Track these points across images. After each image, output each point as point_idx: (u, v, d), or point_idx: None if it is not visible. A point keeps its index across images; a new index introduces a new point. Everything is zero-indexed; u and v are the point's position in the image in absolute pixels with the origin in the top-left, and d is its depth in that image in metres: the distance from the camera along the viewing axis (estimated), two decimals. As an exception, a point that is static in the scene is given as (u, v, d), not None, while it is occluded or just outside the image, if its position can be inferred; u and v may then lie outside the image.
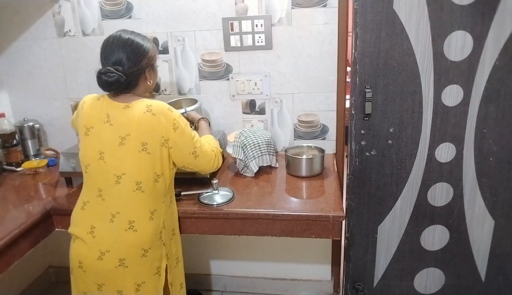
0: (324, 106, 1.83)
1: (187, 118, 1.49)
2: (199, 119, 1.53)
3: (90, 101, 1.22)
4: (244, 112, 1.90)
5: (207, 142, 1.32)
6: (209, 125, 1.56)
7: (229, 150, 1.68)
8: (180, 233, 1.43)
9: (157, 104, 1.17)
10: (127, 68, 1.14)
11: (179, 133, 1.18)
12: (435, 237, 1.44)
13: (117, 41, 1.16)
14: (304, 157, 1.70)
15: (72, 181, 1.62)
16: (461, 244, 1.44)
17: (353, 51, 1.26)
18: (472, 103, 1.28)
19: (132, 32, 1.20)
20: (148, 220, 1.18)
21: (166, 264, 1.25)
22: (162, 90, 1.92)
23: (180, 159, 1.22)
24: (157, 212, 1.21)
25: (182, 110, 1.58)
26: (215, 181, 1.44)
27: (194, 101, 1.77)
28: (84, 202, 1.21)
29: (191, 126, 1.28)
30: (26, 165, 1.82)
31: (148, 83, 1.24)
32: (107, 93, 1.20)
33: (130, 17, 1.82)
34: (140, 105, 1.16)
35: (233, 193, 1.46)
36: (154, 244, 1.20)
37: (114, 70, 1.12)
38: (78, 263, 1.19)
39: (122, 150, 1.15)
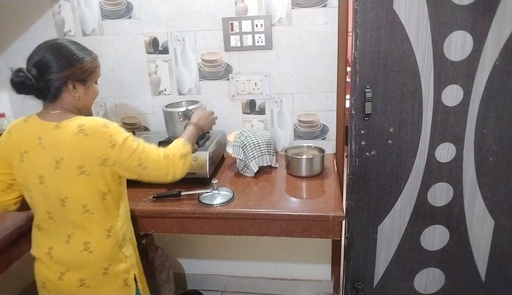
0: (324, 106, 1.83)
1: (187, 115, 1.46)
2: (189, 124, 1.39)
3: (17, 125, 1.12)
4: (244, 112, 1.90)
5: (164, 149, 1.19)
6: (193, 134, 1.36)
7: (229, 150, 1.68)
8: (180, 233, 1.43)
9: (91, 122, 1.07)
10: (44, 72, 1.04)
11: (118, 149, 1.08)
12: (435, 237, 1.44)
13: (47, 44, 1.07)
14: (304, 157, 1.70)
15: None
16: (461, 244, 1.44)
17: (353, 51, 1.26)
18: (472, 103, 1.28)
19: (74, 42, 1.11)
20: (104, 239, 1.14)
21: (134, 274, 1.23)
22: (162, 90, 1.92)
23: (129, 173, 1.14)
24: (114, 229, 1.16)
25: (183, 109, 1.58)
26: (215, 181, 1.44)
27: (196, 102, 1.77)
28: (38, 225, 1.17)
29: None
30: (26, 165, 1.82)
31: (75, 97, 1.10)
32: (36, 113, 1.11)
33: (130, 17, 1.82)
34: (72, 126, 1.06)
35: (233, 193, 1.46)
36: (114, 260, 1.17)
37: (23, 70, 1.02)
38: (42, 284, 1.17)
39: (60, 173, 1.07)
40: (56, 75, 1.06)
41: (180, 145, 1.23)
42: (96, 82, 1.19)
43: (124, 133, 1.12)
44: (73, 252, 1.12)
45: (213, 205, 1.39)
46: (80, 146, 1.05)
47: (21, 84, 1.02)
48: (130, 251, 1.24)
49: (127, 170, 1.13)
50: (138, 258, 1.32)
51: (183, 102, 1.78)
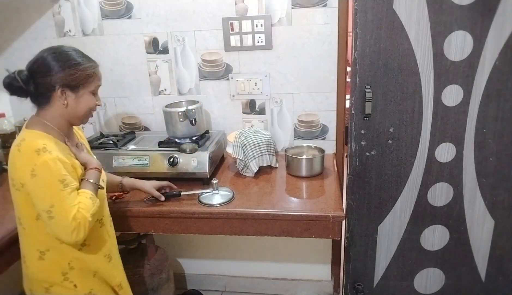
0: (324, 106, 1.83)
1: (193, 113, 1.45)
2: (90, 168, 1.14)
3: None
4: (244, 112, 1.90)
5: (79, 201, 1.04)
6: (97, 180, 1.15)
7: (229, 150, 1.68)
8: (180, 233, 1.43)
9: (29, 142, 1.01)
10: (34, 76, 1.03)
11: (35, 183, 1.00)
12: (435, 237, 1.44)
13: (48, 48, 1.07)
14: (304, 157, 1.70)
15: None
16: (461, 244, 1.44)
17: (353, 51, 1.26)
18: (472, 103, 1.28)
19: (76, 50, 1.09)
20: (36, 260, 1.09)
21: None
22: (162, 90, 1.92)
23: (36, 211, 1.05)
24: (51, 253, 1.09)
25: (183, 109, 1.58)
26: (215, 181, 1.44)
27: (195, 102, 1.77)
28: None
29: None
30: (26, 165, 1.82)
31: (63, 104, 1.06)
32: (32, 115, 1.12)
33: (130, 17, 1.82)
34: (19, 137, 1.05)
35: (233, 193, 1.46)
36: (57, 284, 1.11)
37: (13, 72, 1.03)
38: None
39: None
40: (45, 79, 1.04)
41: (89, 205, 1.05)
42: (94, 94, 1.13)
43: (50, 171, 1.00)
44: (22, 260, 1.15)
45: (213, 205, 1.39)
46: (12, 161, 1.03)
47: (8, 85, 1.03)
48: (87, 282, 1.15)
49: (36, 207, 1.04)
50: (120, 281, 1.26)
51: (183, 102, 1.78)
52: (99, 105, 1.16)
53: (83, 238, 1.04)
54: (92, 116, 1.19)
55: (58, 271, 1.11)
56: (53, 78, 1.04)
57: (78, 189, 1.07)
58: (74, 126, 1.20)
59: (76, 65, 1.06)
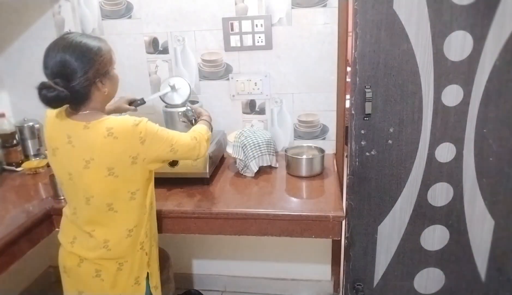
0: (324, 106, 1.83)
1: (192, 113, 1.50)
2: (204, 116, 1.46)
3: (50, 120, 1.14)
4: (244, 112, 1.90)
5: (193, 130, 1.30)
6: (210, 122, 1.45)
7: (229, 150, 1.68)
8: (180, 233, 1.43)
9: (119, 124, 1.07)
10: (69, 80, 1.01)
11: (149, 142, 1.10)
12: (435, 237, 1.44)
13: (58, 48, 1.02)
14: (304, 157, 1.70)
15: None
16: (461, 244, 1.44)
17: (353, 51, 1.25)
18: (472, 103, 1.28)
19: (82, 34, 1.07)
20: (124, 238, 1.16)
21: (148, 272, 1.25)
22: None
23: (159, 163, 1.18)
24: (137, 227, 1.18)
25: (183, 109, 1.58)
26: (172, 83, 1.57)
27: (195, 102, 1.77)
28: (67, 215, 1.22)
29: (191, 121, 1.35)
30: (26, 165, 1.82)
31: (104, 92, 1.11)
32: (65, 109, 1.11)
33: (130, 17, 1.82)
34: (100, 128, 1.06)
35: (189, 87, 1.60)
36: (131, 256, 1.19)
37: (53, 85, 0.99)
38: (63, 268, 1.22)
39: (88, 173, 1.08)
40: (83, 78, 1.03)
41: (205, 130, 1.33)
42: (113, 68, 1.17)
43: (153, 127, 1.13)
44: (94, 245, 1.15)
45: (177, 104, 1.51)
46: (110, 150, 1.06)
47: (55, 98, 0.99)
48: (151, 246, 1.26)
49: (158, 159, 1.16)
50: (156, 254, 1.33)
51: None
52: None
53: (205, 153, 1.29)
54: None
55: (136, 243, 1.19)
56: (91, 74, 1.05)
57: None
58: None
59: (98, 53, 1.06)
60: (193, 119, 1.48)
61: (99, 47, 1.07)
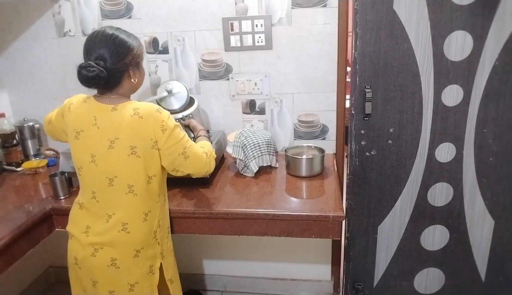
0: (324, 106, 1.83)
1: (188, 126, 1.50)
2: (200, 130, 1.48)
3: (77, 104, 1.21)
4: (244, 112, 1.90)
5: (201, 146, 1.30)
6: (209, 137, 1.49)
7: (229, 150, 1.68)
8: (180, 233, 1.43)
9: (145, 106, 1.15)
10: (109, 64, 1.11)
11: (168, 134, 1.16)
12: (435, 237, 1.44)
13: (101, 36, 1.13)
14: (304, 157, 1.70)
15: (72, 181, 1.62)
16: (461, 244, 1.44)
17: (353, 51, 1.26)
18: (472, 103, 1.28)
19: (118, 29, 1.18)
20: (141, 221, 1.19)
21: (161, 263, 1.26)
22: (162, 90, 1.92)
23: (170, 160, 1.20)
24: (152, 213, 1.22)
25: (179, 116, 1.58)
26: (169, 87, 1.53)
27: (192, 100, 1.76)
28: (81, 203, 1.23)
29: (191, 136, 1.31)
30: (26, 165, 1.82)
31: (133, 81, 1.20)
32: (93, 95, 1.19)
33: (130, 17, 1.82)
34: (128, 108, 1.14)
35: (187, 90, 1.58)
36: (146, 244, 1.22)
37: (95, 65, 1.09)
38: (74, 260, 1.22)
39: (112, 153, 1.14)
40: (118, 65, 1.13)
41: (211, 147, 1.36)
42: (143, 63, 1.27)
43: (173, 121, 1.19)
44: (111, 231, 1.17)
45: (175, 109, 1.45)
46: (135, 128, 1.13)
47: (95, 77, 1.09)
48: (164, 238, 1.29)
49: (169, 157, 1.19)
50: (171, 247, 1.35)
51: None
52: None
53: (212, 169, 1.30)
54: None
55: (151, 230, 1.22)
56: (126, 61, 1.15)
57: None
58: None
59: (136, 45, 1.18)
60: (192, 136, 1.48)
61: (137, 40, 1.20)
